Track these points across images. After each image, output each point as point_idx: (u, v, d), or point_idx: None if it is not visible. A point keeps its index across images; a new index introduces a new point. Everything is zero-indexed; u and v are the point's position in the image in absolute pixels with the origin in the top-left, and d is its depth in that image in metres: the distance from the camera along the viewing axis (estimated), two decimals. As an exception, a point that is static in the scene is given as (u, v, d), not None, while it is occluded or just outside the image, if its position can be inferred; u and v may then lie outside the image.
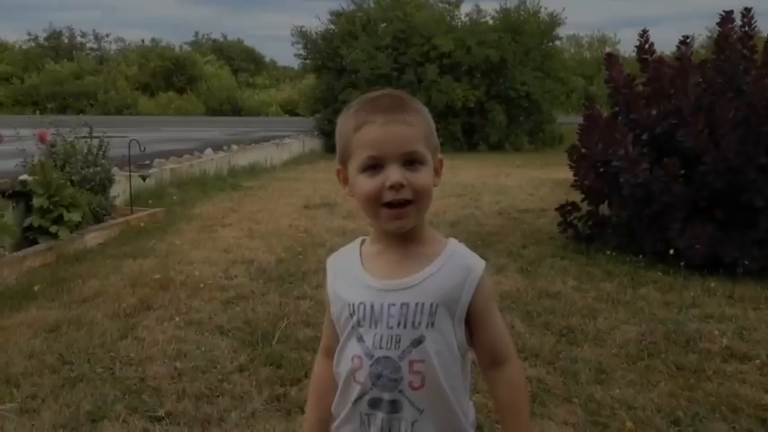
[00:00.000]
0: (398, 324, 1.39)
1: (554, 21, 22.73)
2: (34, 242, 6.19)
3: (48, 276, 5.45)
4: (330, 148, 20.94)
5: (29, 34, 58.51)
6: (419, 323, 1.38)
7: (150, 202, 8.86)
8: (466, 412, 1.49)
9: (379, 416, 1.40)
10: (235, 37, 67.13)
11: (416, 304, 1.38)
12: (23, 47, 52.48)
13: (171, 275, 5.48)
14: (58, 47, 52.25)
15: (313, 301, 4.92)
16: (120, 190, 8.36)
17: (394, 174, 1.35)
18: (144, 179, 8.80)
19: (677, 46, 6.52)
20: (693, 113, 5.83)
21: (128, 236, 7.08)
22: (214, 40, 60.44)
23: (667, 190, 5.79)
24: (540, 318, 4.56)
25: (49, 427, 3.05)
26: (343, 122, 1.43)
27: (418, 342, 1.38)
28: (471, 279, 1.41)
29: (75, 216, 6.43)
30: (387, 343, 1.39)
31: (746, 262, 5.53)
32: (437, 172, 1.44)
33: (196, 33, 62.88)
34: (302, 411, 3.20)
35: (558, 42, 25.03)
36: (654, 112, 6.27)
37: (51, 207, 6.26)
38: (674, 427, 3.10)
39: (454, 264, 1.42)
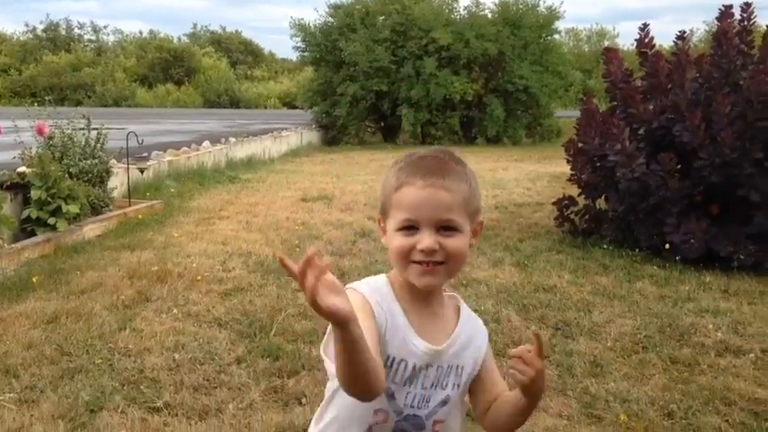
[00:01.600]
0: (432, 385, 1.42)
1: (553, 14, 22.74)
2: (32, 234, 6.20)
3: (46, 268, 5.47)
4: (328, 140, 21.00)
5: (26, 25, 58.61)
6: (446, 384, 1.43)
7: (148, 194, 8.87)
8: None
9: None
10: (233, 29, 67.01)
11: (448, 367, 1.43)
12: (21, 38, 52.44)
13: (169, 267, 5.49)
14: (55, 38, 52.21)
15: (310, 293, 4.93)
16: (117, 182, 8.36)
17: (426, 239, 1.35)
18: (142, 171, 8.81)
19: (674, 41, 6.53)
20: (690, 108, 5.85)
21: (125, 228, 7.09)
22: (212, 33, 60.41)
23: (663, 184, 5.81)
24: (535, 311, 4.59)
25: (48, 417, 3.07)
26: (388, 177, 1.44)
27: (444, 402, 1.43)
28: (485, 339, 1.49)
29: (73, 208, 6.44)
30: (419, 402, 1.41)
31: (741, 256, 5.56)
32: (476, 234, 1.44)
33: (194, 25, 63.07)
34: (300, 403, 3.25)
35: (556, 36, 25.09)
36: (651, 107, 6.29)
37: (49, 199, 6.27)
38: (667, 420, 3.13)
39: (472, 326, 1.49)
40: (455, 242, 1.37)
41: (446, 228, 1.37)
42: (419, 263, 1.37)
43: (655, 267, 5.68)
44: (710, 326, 4.31)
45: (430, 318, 1.44)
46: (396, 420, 1.40)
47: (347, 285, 1.37)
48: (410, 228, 1.37)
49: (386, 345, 1.38)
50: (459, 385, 1.44)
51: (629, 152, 5.98)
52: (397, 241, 1.38)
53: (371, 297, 1.40)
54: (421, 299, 1.43)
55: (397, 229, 1.38)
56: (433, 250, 1.35)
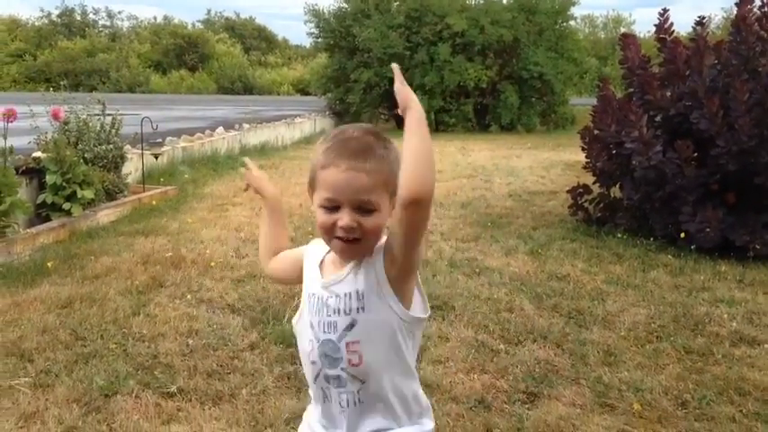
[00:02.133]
0: (335, 312, 1.57)
1: (568, 0, 22.49)
2: (47, 219, 6.24)
3: (60, 253, 5.50)
4: (342, 127, 20.96)
5: (41, 11, 58.70)
6: (349, 310, 1.55)
7: (162, 180, 8.90)
8: (409, 392, 1.62)
9: (332, 389, 1.60)
10: (247, 15, 66.72)
11: (345, 294, 1.56)
12: (36, 23, 52.51)
13: (182, 253, 5.52)
14: (70, 24, 52.27)
15: (323, 280, 4.94)
16: (132, 168, 8.40)
17: (346, 218, 1.50)
18: (156, 157, 8.82)
19: (693, 27, 6.45)
20: (708, 95, 5.79)
21: (140, 213, 7.13)
22: (226, 18, 60.22)
23: (680, 173, 5.76)
24: (549, 300, 4.57)
25: (63, 401, 3.09)
26: (316, 152, 1.56)
27: (351, 326, 1.55)
28: (382, 249, 1.54)
29: (87, 193, 6.47)
30: (327, 327, 1.58)
31: (758, 246, 5.51)
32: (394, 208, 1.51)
33: (208, 11, 62.68)
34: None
35: (572, 22, 24.79)
36: (668, 94, 6.22)
37: (64, 184, 6.30)
38: (681, 410, 3.11)
39: (373, 253, 1.56)
40: (371, 221, 1.51)
41: (364, 208, 1.50)
42: (339, 238, 1.52)
43: (669, 256, 5.65)
44: (725, 316, 4.28)
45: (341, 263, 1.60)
46: (318, 347, 1.59)
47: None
48: (332, 206, 1.51)
49: (305, 284, 1.66)
50: (362, 308, 1.54)
51: (647, 139, 5.92)
52: (320, 217, 1.54)
53: (306, 253, 1.71)
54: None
55: (320, 206, 1.53)
56: (352, 228, 1.50)
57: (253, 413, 3.04)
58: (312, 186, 1.58)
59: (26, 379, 3.31)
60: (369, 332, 1.55)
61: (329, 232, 1.53)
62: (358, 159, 1.49)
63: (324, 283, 1.60)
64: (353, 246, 1.53)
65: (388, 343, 1.56)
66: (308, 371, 1.66)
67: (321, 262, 1.66)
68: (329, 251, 1.64)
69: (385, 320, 1.55)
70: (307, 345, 1.63)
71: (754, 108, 5.62)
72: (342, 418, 1.61)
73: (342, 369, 1.57)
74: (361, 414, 1.59)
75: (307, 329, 1.63)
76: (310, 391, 1.70)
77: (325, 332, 1.58)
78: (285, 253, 1.83)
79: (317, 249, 1.69)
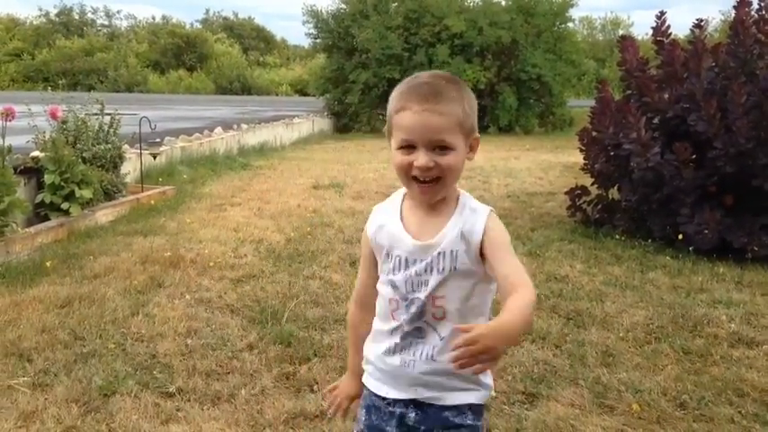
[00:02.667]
0: (425, 271, 1.62)
1: (566, 2, 22.54)
2: (46, 218, 6.24)
3: (59, 252, 5.50)
4: (340, 128, 20.96)
5: (40, 10, 58.57)
6: (442, 268, 1.61)
7: (160, 180, 8.90)
8: None
9: (410, 341, 1.66)
10: (245, 15, 66.79)
11: (439, 254, 1.61)
12: (34, 22, 52.48)
13: (181, 253, 5.52)
14: (68, 23, 52.30)
15: (322, 280, 4.95)
16: (130, 167, 8.39)
17: (421, 158, 1.57)
18: (154, 157, 8.83)
19: (691, 29, 6.47)
20: (706, 98, 5.80)
21: (138, 213, 7.12)
22: (225, 18, 60.30)
23: (678, 174, 5.77)
24: (547, 301, 4.58)
25: (62, 400, 3.09)
26: (391, 99, 1.64)
27: (441, 284, 1.61)
28: (482, 224, 1.62)
29: (86, 193, 6.47)
30: (416, 286, 1.63)
31: (755, 248, 5.52)
32: (472, 149, 1.66)
33: (207, 11, 62.82)
34: (311, 390, 3.26)
35: (570, 24, 24.85)
36: (666, 96, 6.24)
37: (63, 184, 6.29)
38: (680, 411, 3.12)
39: (465, 214, 1.64)
40: (448, 159, 1.58)
41: (440, 147, 1.57)
42: (417, 181, 1.60)
43: (667, 258, 5.66)
44: (723, 317, 4.29)
45: (427, 219, 1.65)
46: (404, 304, 1.65)
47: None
48: (408, 147, 1.58)
49: (380, 246, 1.69)
50: (455, 268, 1.61)
51: (645, 141, 5.94)
52: (397, 158, 1.61)
53: (374, 215, 1.74)
54: (422, 205, 1.66)
55: (397, 147, 1.61)
56: (429, 167, 1.57)
57: (252, 413, 3.04)
58: (389, 132, 1.65)
59: (25, 379, 3.30)
60: (454, 288, 1.62)
61: (407, 173, 1.60)
62: (430, 102, 1.55)
63: (417, 243, 1.64)
64: (432, 186, 1.60)
65: (467, 298, 1.63)
66: (384, 322, 1.71)
67: (401, 219, 1.69)
68: (400, 206, 1.70)
69: (469, 278, 1.62)
70: (388, 302, 1.68)
71: (751, 110, 5.63)
72: (415, 368, 1.66)
73: (425, 322, 1.64)
74: (435, 364, 1.64)
75: (387, 288, 1.68)
76: (375, 336, 1.75)
77: (414, 290, 1.64)
78: (365, 268, 1.81)
79: (383, 215, 1.73)
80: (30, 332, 3.84)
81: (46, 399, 3.11)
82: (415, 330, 1.65)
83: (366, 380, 1.77)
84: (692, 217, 5.74)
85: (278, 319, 4.14)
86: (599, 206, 6.79)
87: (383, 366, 1.70)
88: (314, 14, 22.41)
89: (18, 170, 6.24)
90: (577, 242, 6.20)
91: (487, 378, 1.70)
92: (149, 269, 5.10)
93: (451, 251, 1.61)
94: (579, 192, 6.94)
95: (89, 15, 54.47)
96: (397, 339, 1.67)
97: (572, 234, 6.51)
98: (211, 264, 5.27)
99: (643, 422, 3.02)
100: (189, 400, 3.15)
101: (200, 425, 2.93)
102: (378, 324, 1.74)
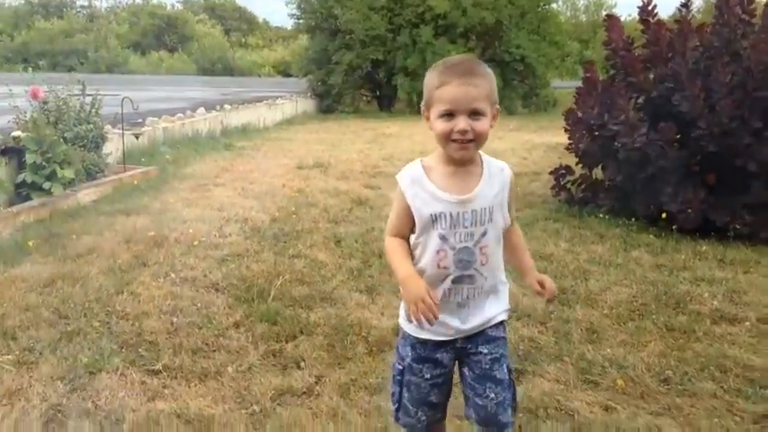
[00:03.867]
0: (471, 224, 2.01)
1: (550, -17, 22.48)
2: (27, 198, 6.17)
3: (41, 232, 5.45)
4: (324, 108, 20.84)
5: (18, -10, 57.44)
6: (484, 221, 2.02)
7: (143, 160, 8.82)
8: (504, 280, 2.19)
9: (463, 287, 2.06)
10: (227, -5, 65.96)
11: (481, 209, 2.01)
12: (13, 3, 51.65)
13: (165, 233, 5.48)
14: (48, 4, 51.40)
15: (308, 259, 4.94)
16: (112, 148, 8.31)
17: (461, 123, 1.93)
18: (137, 137, 8.74)
19: (678, 8, 6.49)
20: (690, 77, 5.82)
21: (121, 193, 7.07)
22: (206, -1, 59.55)
23: (663, 154, 5.80)
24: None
25: (47, 378, 3.07)
26: (430, 78, 1.99)
27: (484, 234, 2.03)
28: (508, 180, 2.09)
29: (68, 173, 6.41)
30: (465, 237, 2.01)
31: (738, 226, 5.57)
32: (494, 117, 2.01)
33: (188, -9, 61.85)
34: (298, 367, 3.26)
35: (554, 5, 24.80)
36: (651, 76, 6.25)
37: (44, 163, 6.23)
38: (663, 386, 3.15)
39: (493, 172, 2.06)
40: (481, 124, 1.95)
41: (475, 113, 1.94)
42: (456, 141, 1.95)
43: (651, 236, 5.70)
44: (706, 294, 4.33)
45: (460, 178, 2.02)
46: (453, 254, 2.01)
47: (398, 175, 2.06)
48: (449, 115, 1.94)
49: (419, 209, 2.00)
50: (491, 219, 2.03)
51: (633, 122, 5.95)
52: (440, 126, 1.96)
53: (407, 190, 2.02)
54: (455, 165, 2.01)
55: (440, 116, 1.96)
56: (466, 131, 1.93)
57: (239, 390, 3.04)
58: (428, 106, 2.00)
59: (9, 357, 3.28)
60: (492, 237, 2.04)
61: (447, 137, 1.95)
62: (467, 76, 1.93)
63: (458, 199, 1.99)
64: (467, 146, 1.96)
65: (499, 244, 2.09)
66: (432, 276, 2.02)
67: (433, 182, 2.01)
68: (427, 174, 2.02)
69: (500, 227, 2.07)
70: (435, 255, 2.01)
71: (735, 90, 5.66)
72: (462, 310, 2.08)
73: (474, 269, 2.03)
74: (477, 303, 2.09)
75: (435, 242, 2.00)
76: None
77: (462, 241, 2.00)
78: (402, 220, 2.07)
79: (413, 177, 2.03)
80: (13, 311, 3.82)
81: (31, 377, 3.10)
82: (466, 277, 2.03)
83: (412, 329, 2.10)
84: (675, 196, 5.77)
85: (264, 297, 4.13)
86: (583, 186, 6.81)
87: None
88: (297, -6, 22.19)
89: (-1, 150, 6.17)
90: (562, 221, 6.22)
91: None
92: (133, 248, 5.07)
93: (490, 205, 2.02)
94: (564, 171, 6.96)
95: (69, -5, 53.62)
96: (448, 285, 2.04)
97: (556, 213, 6.54)
98: (196, 243, 5.24)
99: (627, 397, 3.05)
100: (175, 378, 3.14)
101: (186, 402, 2.93)
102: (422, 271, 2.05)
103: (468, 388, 2.16)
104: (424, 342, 2.10)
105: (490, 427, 2.16)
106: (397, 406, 2.22)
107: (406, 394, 2.18)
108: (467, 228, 1.99)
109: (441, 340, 2.10)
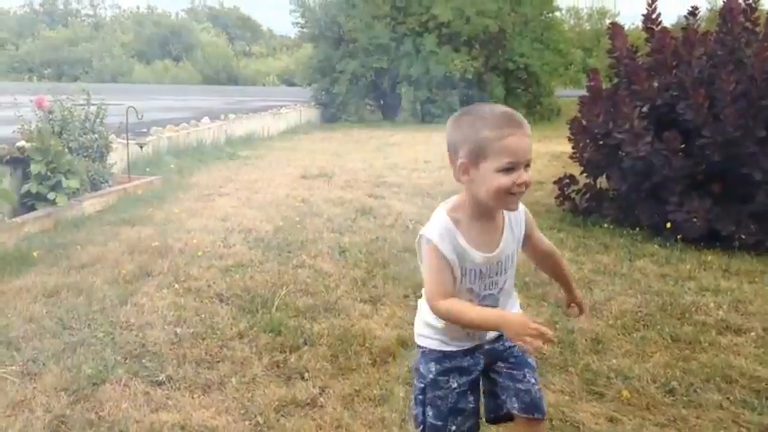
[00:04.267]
0: (497, 273, 2.03)
1: (553, -9, 22.50)
2: (32, 208, 6.19)
3: (46, 242, 5.46)
4: (328, 117, 20.86)
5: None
6: (507, 267, 2.05)
7: (147, 170, 8.84)
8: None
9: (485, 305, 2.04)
10: (231, 4, 66.25)
11: (505, 257, 2.03)
12: (18, 12, 51.92)
13: (169, 243, 5.49)
14: (52, 12, 51.72)
15: (312, 269, 4.94)
16: (117, 158, 8.33)
17: (525, 175, 1.87)
18: (141, 147, 8.77)
19: (685, 16, 6.49)
20: (695, 86, 5.81)
21: (125, 203, 7.08)
22: (210, 8, 59.81)
23: (667, 163, 5.79)
24: (536, 289, 4.59)
25: (51, 389, 3.07)
26: (481, 128, 1.87)
27: (506, 280, 2.07)
28: (524, 218, 2.08)
29: (73, 183, 6.42)
30: (490, 286, 2.03)
31: (743, 236, 5.55)
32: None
33: (192, 0, 62.18)
34: (302, 378, 3.26)
35: (557, 13, 24.82)
36: (655, 84, 6.25)
37: (49, 174, 6.25)
38: (669, 397, 3.13)
39: (512, 217, 2.04)
40: (530, 174, 1.90)
41: (527, 165, 1.88)
42: (515, 194, 1.87)
43: (656, 246, 5.68)
44: (711, 304, 4.32)
45: (487, 232, 1.99)
46: (477, 301, 2.01)
47: (423, 233, 1.96)
48: (509, 168, 1.84)
49: (457, 265, 1.95)
50: (512, 262, 2.06)
51: (637, 131, 5.94)
52: (500, 180, 1.85)
53: (442, 245, 1.93)
54: (484, 219, 1.98)
55: (500, 170, 1.85)
56: (530, 183, 1.88)
57: (242, 401, 3.04)
58: (478, 156, 1.87)
59: (13, 368, 3.28)
60: (512, 275, 2.09)
61: (507, 191, 1.86)
62: (524, 127, 1.88)
63: (489, 257, 1.99)
64: (520, 197, 1.91)
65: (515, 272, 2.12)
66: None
67: (463, 236, 1.96)
68: (454, 225, 1.95)
69: (516, 260, 2.09)
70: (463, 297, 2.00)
71: (739, 99, 5.65)
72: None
73: (497, 293, 2.05)
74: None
75: (464, 293, 1.99)
76: (451, 333, 2.07)
77: (487, 289, 2.03)
78: (446, 276, 1.98)
79: (442, 232, 1.95)
80: (17, 321, 3.82)
81: (35, 387, 3.10)
82: (489, 297, 2.05)
83: (435, 345, 2.09)
84: (680, 205, 5.76)
85: (268, 307, 4.13)
86: (587, 195, 6.80)
87: (460, 333, 2.06)
88: (301, 3, 22.23)
89: (3, 160, 6.20)
90: (566, 231, 6.21)
91: None
92: (137, 259, 5.07)
93: (512, 251, 2.05)
94: (568, 181, 6.95)
95: (73, 5, 53.87)
96: (465, 332, 2.06)
97: (560, 223, 6.53)
98: (200, 253, 5.24)
99: (633, 408, 3.03)
100: (179, 389, 3.14)
101: (190, 413, 2.92)
102: (450, 329, 2.06)
103: (507, 378, 2.13)
104: (451, 354, 2.09)
105: (536, 413, 2.12)
106: (421, 428, 2.13)
107: (430, 412, 2.11)
108: (492, 278, 2.02)
109: (467, 348, 2.10)
